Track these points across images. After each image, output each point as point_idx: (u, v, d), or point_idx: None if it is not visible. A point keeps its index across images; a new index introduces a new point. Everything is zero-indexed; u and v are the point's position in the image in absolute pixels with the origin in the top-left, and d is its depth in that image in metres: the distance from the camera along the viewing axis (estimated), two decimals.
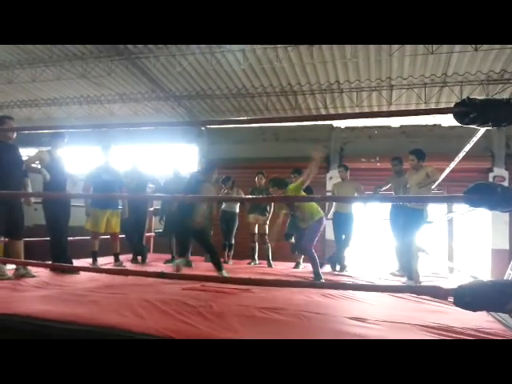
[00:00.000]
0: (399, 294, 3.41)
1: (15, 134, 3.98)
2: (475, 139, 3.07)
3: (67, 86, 8.84)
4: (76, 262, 4.89)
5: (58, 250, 4.34)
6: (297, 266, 5.85)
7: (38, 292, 3.08)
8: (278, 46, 6.57)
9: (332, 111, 8.85)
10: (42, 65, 7.83)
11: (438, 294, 2.35)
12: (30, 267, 3.83)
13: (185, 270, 5.14)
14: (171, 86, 8.53)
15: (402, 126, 8.79)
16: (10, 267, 3.87)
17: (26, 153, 4.22)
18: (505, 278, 4.55)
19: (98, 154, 5.34)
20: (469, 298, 1.59)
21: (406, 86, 7.74)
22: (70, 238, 4.61)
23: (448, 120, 8.27)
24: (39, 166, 4.28)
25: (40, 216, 4.55)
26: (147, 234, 6.27)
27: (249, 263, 6.20)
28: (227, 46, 6.74)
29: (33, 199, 4.17)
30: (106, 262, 5.30)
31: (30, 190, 4.25)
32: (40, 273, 3.97)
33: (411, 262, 4.51)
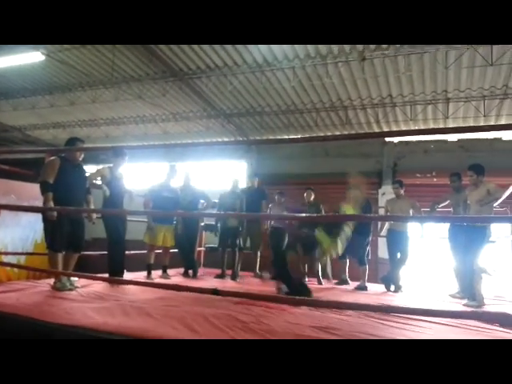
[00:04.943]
0: (460, 320, 3.20)
1: (83, 155, 4.19)
2: None
3: (125, 107, 9.31)
4: (131, 275, 5.07)
5: (115, 262, 4.52)
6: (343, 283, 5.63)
7: (96, 304, 3.18)
8: (328, 61, 6.53)
9: (384, 126, 8.66)
10: (101, 87, 8.30)
11: (506, 321, 2.19)
12: (73, 279, 3.98)
13: (234, 285, 5.16)
14: (222, 104, 8.73)
15: (459, 140, 8.42)
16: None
17: (86, 169, 4.43)
18: None
19: (160, 172, 5.58)
20: None
21: (464, 99, 7.42)
22: (126, 252, 4.79)
23: (509, 133, 7.85)
24: (100, 182, 4.51)
25: (98, 229, 4.78)
26: (198, 249, 6.37)
27: None
28: (277, 64, 6.81)
29: (94, 215, 4.36)
30: (159, 274, 5.44)
31: (92, 206, 4.45)
32: (95, 285, 4.12)
33: (473, 283, 4.24)
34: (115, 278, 4.12)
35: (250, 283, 5.41)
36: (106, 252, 4.67)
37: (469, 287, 4.43)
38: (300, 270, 4.52)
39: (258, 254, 6.41)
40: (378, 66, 6.58)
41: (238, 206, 5.73)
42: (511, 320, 1.77)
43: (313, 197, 6.30)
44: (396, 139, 9.02)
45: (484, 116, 7.52)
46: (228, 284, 5.23)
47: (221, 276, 5.76)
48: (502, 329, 2.86)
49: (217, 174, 10.60)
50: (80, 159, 4.12)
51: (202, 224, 6.59)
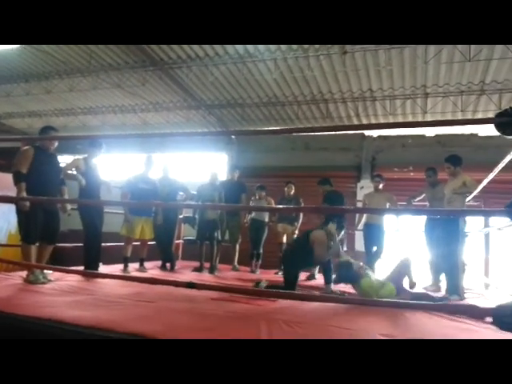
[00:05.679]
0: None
1: (56, 144, 4.10)
2: None
3: (103, 96, 9.12)
4: (107, 268, 5.01)
5: (91, 254, 4.46)
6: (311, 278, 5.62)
7: (70, 297, 3.13)
8: (310, 54, 6.53)
9: (364, 119, 8.72)
10: (79, 75, 8.10)
11: (474, 313, 2.24)
12: (46, 271, 3.91)
13: (212, 278, 5.15)
14: (203, 95, 8.64)
15: (437, 135, 8.56)
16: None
17: (61, 159, 4.35)
18: None
19: (138, 163, 5.49)
20: (510, 318, 1.50)
21: (442, 94, 7.52)
22: (102, 244, 4.72)
23: (485, 129, 8.00)
24: (75, 173, 4.43)
25: (74, 221, 4.69)
26: (176, 241, 6.33)
27: (276, 273, 6.13)
28: (259, 56, 6.77)
29: (69, 206, 4.28)
30: (136, 267, 5.38)
31: (66, 198, 4.37)
32: (70, 278, 4.05)
33: (456, 276, 4.32)
34: (90, 272, 4.06)
35: (227, 277, 5.40)
36: (81, 244, 4.60)
37: (450, 281, 4.49)
38: None
39: (237, 247, 6.41)
40: (359, 59, 6.61)
41: (217, 198, 5.70)
42: (479, 312, 1.79)
43: (293, 191, 6.33)
44: (375, 133, 9.10)
45: (461, 111, 7.65)
46: (205, 277, 5.22)
47: (199, 269, 5.74)
48: (471, 321, 2.94)
49: (197, 166, 10.52)
50: (53, 148, 4.04)
51: (181, 216, 6.54)
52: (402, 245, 7.40)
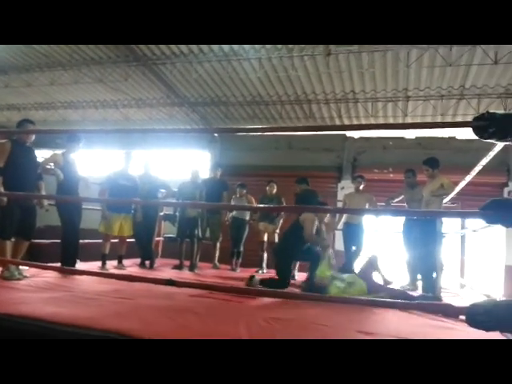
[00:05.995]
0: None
1: (33, 137, 4.02)
2: (493, 154, 2.98)
3: (84, 90, 8.98)
4: (86, 265, 4.93)
5: (69, 251, 4.38)
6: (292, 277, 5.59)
7: (46, 294, 3.08)
8: (294, 54, 6.56)
9: (346, 121, 8.82)
10: (60, 68, 7.96)
11: (448, 311, 2.30)
12: (22, 267, 3.83)
13: (191, 276, 5.13)
14: (186, 92, 8.59)
15: (417, 138, 8.70)
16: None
17: (40, 154, 4.27)
18: None
19: (118, 159, 5.41)
20: (482, 317, 1.53)
21: (423, 98, 7.67)
22: (80, 241, 4.65)
23: (464, 132, 8.18)
24: (53, 168, 4.34)
25: (51, 217, 4.60)
26: (156, 239, 6.27)
27: (256, 271, 6.14)
28: (243, 54, 6.77)
29: (46, 201, 4.19)
30: (114, 264, 5.31)
31: (43, 193, 4.28)
32: (46, 274, 3.98)
33: (432, 276, 4.39)
34: (67, 268, 3.99)
35: (208, 275, 5.38)
36: (58, 240, 4.52)
37: (427, 280, 4.57)
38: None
39: (218, 245, 6.39)
40: (343, 61, 6.68)
41: (198, 196, 5.67)
42: (454, 310, 1.83)
43: (275, 190, 6.35)
44: (357, 135, 9.20)
45: (441, 115, 7.82)
46: (185, 275, 5.18)
47: (179, 267, 5.70)
48: (446, 319, 3.01)
49: (180, 164, 10.45)
50: (30, 141, 3.96)
51: (161, 213, 6.48)
52: (376, 244, 7.51)
